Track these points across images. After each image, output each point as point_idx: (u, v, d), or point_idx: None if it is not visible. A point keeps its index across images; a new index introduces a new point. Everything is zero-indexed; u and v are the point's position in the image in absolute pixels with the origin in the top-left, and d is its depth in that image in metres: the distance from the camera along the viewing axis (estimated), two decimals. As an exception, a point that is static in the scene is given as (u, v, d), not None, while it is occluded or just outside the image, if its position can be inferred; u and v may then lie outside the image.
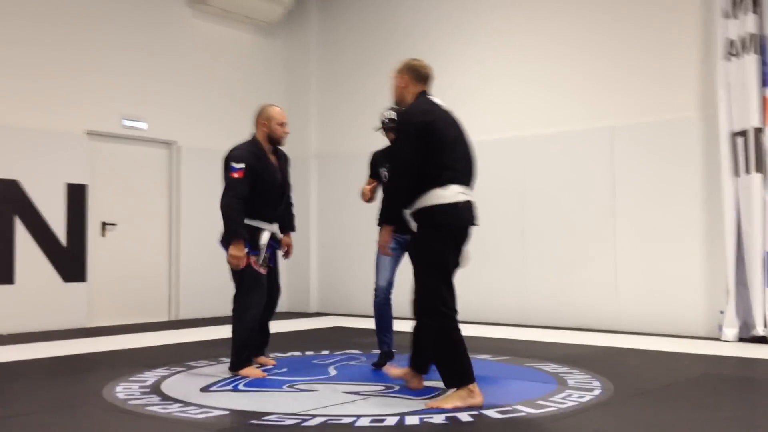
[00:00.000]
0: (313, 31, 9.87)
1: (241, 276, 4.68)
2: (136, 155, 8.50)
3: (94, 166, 8.05)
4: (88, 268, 7.88)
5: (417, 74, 4.03)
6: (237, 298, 4.72)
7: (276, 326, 5.51)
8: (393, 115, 4.84)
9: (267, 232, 4.77)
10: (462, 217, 3.81)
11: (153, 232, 8.59)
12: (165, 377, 4.68)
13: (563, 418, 3.53)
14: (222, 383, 4.45)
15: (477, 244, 4.78)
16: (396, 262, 4.86)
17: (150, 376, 4.70)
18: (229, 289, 4.80)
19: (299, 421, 3.46)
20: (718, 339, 6.35)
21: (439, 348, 3.75)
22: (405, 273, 4.71)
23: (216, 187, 4.69)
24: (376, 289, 4.89)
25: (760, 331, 6.14)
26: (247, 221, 4.68)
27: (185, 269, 8.69)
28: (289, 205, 5.13)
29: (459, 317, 3.80)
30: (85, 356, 5.77)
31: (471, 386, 3.70)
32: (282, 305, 5.92)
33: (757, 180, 6.25)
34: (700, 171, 6.77)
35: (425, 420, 3.46)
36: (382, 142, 5.10)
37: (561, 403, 3.83)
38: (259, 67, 9.73)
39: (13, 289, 7.28)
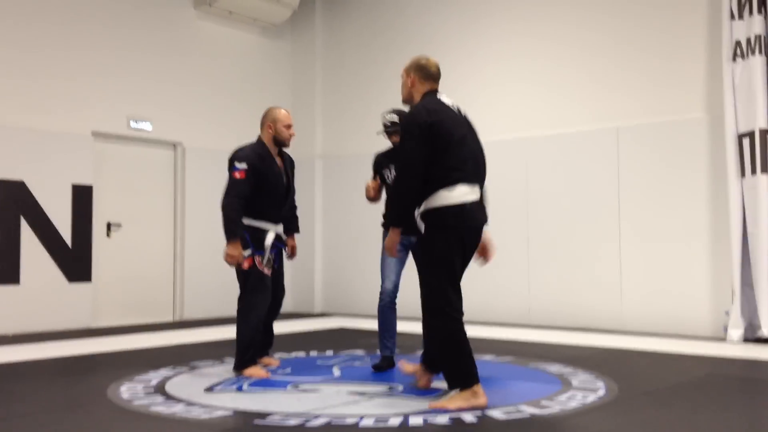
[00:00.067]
0: (318, 33, 9.88)
1: (246, 277, 4.69)
2: (141, 156, 8.52)
3: (99, 167, 8.07)
4: (93, 268, 7.90)
5: (425, 73, 4.01)
6: (242, 299, 4.73)
7: (280, 327, 5.52)
8: (395, 118, 4.83)
9: (272, 232, 4.78)
10: (469, 217, 3.77)
11: (158, 232, 8.61)
12: (169, 377, 4.69)
13: (567, 419, 3.52)
14: (226, 383, 4.46)
15: (481, 245, 4.77)
16: (401, 264, 4.85)
17: (154, 376, 4.70)
18: (234, 289, 4.80)
19: (303, 421, 3.46)
20: (723, 340, 6.34)
21: (444, 349, 3.74)
22: (410, 274, 4.72)
23: (221, 188, 4.71)
24: (382, 292, 4.85)
25: (765, 332, 6.11)
26: (252, 222, 4.70)
27: (190, 270, 8.70)
28: (293, 207, 5.14)
29: (463, 318, 3.80)
30: (90, 356, 5.78)
31: (475, 387, 3.69)
32: (286, 306, 5.93)
33: (763, 181, 6.23)
34: (706, 172, 6.75)
35: (429, 420, 3.46)
36: (386, 143, 5.10)
37: (565, 403, 3.82)
38: (264, 68, 9.74)
39: (19, 289, 7.30)
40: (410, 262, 4.75)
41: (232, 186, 4.64)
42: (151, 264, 8.50)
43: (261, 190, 4.70)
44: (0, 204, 7.24)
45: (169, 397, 4.06)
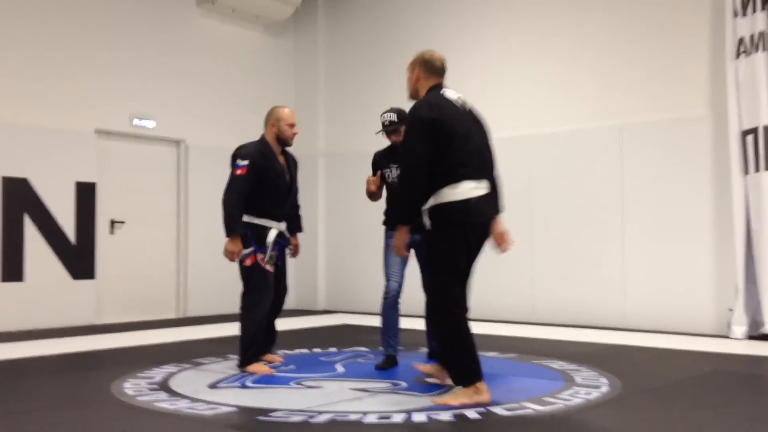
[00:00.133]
0: (321, 30, 9.88)
1: (249, 274, 4.70)
2: (144, 154, 8.53)
3: (103, 165, 8.09)
4: (97, 265, 7.92)
5: (430, 67, 3.98)
6: (245, 296, 4.74)
7: (284, 324, 5.53)
8: (394, 117, 4.83)
9: (274, 230, 4.78)
10: (475, 212, 3.72)
11: (161, 229, 8.63)
12: (173, 374, 4.70)
13: (570, 416, 3.52)
14: (230, 380, 4.47)
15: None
16: (405, 262, 4.84)
17: (158, 373, 4.72)
18: (237, 286, 4.81)
19: (306, 417, 3.46)
20: (726, 336, 6.33)
21: (449, 346, 3.73)
22: (411, 272, 4.73)
23: (224, 185, 4.72)
24: (386, 291, 4.84)
25: (769, 329, 6.12)
26: (254, 219, 4.71)
27: (193, 267, 8.71)
28: (297, 207, 5.15)
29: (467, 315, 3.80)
30: (94, 353, 5.80)
31: (479, 384, 3.69)
32: (290, 303, 5.94)
33: (766, 178, 6.22)
34: (709, 169, 6.74)
35: (432, 417, 3.46)
36: (387, 142, 5.09)
37: (568, 400, 3.82)
38: (267, 66, 9.75)
39: (23, 286, 7.32)
40: (411, 261, 4.76)
41: (233, 182, 4.66)
42: (154, 261, 8.52)
43: (263, 188, 4.71)
44: (4, 201, 7.26)
45: (173, 394, 4.07)
